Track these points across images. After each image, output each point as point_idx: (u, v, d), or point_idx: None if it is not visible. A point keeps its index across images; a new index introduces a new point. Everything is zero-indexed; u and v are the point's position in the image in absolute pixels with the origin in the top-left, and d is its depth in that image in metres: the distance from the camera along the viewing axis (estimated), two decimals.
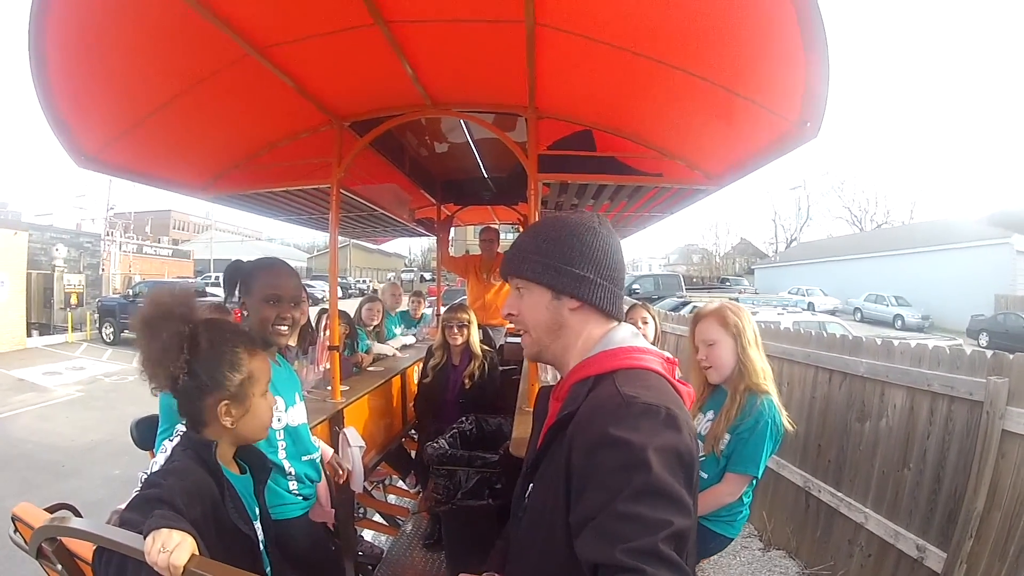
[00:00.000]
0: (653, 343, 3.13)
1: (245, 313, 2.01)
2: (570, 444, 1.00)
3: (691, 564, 1.05)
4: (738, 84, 2.05)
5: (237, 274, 2.03)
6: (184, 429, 1.39)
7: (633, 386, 1.00)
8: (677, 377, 1.12)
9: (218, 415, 1.35)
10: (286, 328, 1.97)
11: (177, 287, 1.93)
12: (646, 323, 3.21)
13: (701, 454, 2.25)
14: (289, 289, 1.99)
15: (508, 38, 2.22)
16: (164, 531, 1.00)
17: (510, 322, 1.27)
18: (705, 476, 2.21)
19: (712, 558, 3.87)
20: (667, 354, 1.15)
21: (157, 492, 1.18)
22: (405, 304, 6.38)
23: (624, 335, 1.15)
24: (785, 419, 2.19)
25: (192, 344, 1.34)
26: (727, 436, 2.19)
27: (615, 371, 1.06)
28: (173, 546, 0.98)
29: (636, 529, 0.84)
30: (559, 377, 1.23)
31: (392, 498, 4.59)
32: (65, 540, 1.16)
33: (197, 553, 1.01)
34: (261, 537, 1.47)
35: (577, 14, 2.03)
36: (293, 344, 2.86)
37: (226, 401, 1.36)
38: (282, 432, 1.99)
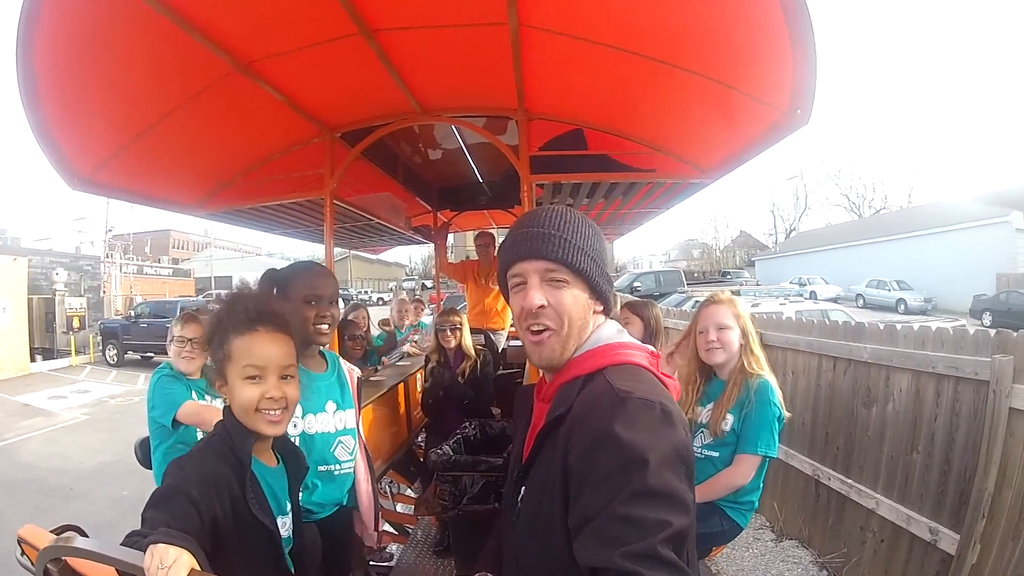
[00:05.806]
0: (647, 340, 3.14)
1: None
2: (565, 445, 0.98)
3: (700, 552, 1.04)
4: (727, 76, 2.04)
5: (273, 282, 2.00)
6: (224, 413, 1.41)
7: (625, 382, 0.99)
8: (661, 370, 1.12)
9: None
10: (327, 327, 1.98)
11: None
12: (629, 323, 3.18)
13: (707, 439, 2.32)
14: (328, 288, 2.00)
15: (493, 41, 2.22)
16: (162, 547, 1.00)
17: (538, 316, 1.09)
18: (716, 454, 2.29)
19: (724, 550, 3.86)
20: (651, 348, 1.15)
21: (173, 483, 1.20)
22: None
23: (610, 332, 1.14)
24: (780, 401, 2.25)
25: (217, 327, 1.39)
26: (729, 416, 2.26)
27: (604, 368, 1.05)
28: (171, 562, 0.98)
29: (634, 532, 0.82)
30: None
31: (400, 506, 4.58)
32: (70, 560, 1.16)
33: (197, 568, 1.01)
34: (286, 534, 1.44)
35: (562, 14, 2.03)
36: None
37: (216, 375, 1.39)
38: (297, 439, 1.99)
